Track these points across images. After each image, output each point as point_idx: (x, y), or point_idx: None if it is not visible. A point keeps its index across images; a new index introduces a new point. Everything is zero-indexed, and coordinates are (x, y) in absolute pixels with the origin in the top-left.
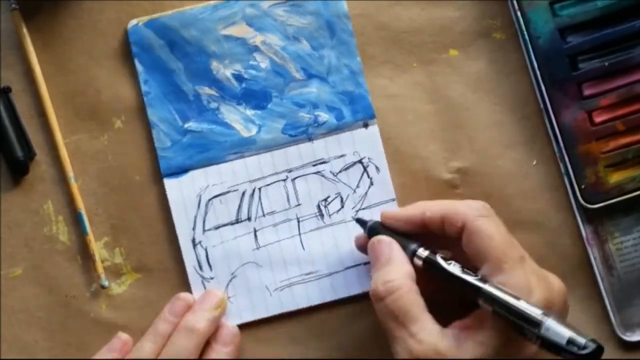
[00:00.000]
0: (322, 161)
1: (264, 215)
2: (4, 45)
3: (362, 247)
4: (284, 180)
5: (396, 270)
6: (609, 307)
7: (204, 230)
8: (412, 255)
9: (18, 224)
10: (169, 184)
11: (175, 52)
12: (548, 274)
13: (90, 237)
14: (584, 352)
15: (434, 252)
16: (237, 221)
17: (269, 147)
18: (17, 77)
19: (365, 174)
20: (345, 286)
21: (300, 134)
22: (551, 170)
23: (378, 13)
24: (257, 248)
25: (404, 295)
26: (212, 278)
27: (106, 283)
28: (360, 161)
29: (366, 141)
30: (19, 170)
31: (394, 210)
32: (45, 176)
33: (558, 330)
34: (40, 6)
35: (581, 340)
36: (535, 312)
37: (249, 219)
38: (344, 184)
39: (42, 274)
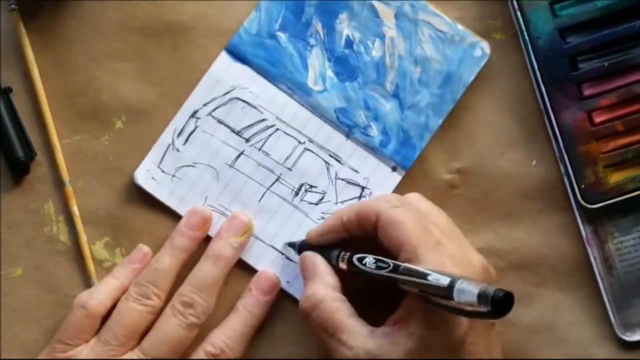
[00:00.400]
0: (338, 159)
1: (258, 150)
2: (4, 46)
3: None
4: (299, 143)
5: (318, 283)
6: (608, 307)
7: (209, 113)
8: (336, 261)
9: (18, 224)
10: (224, 57)
11: None
12: (470, 252)
13: (83, 239)
14: (488, 308)
15: (353, 254)
16: (237, 133)
17: (315, 109)
18: (18, 77)
19: (357, 200)
20: (271, 265)
21: (345, 125)
22: (551, 170)
23: None
24: (230, 166)
25: (327, 306)
26: (178, 150)
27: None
28: (363, 188)
29: (383, 180)
30: (19, 170)
31: (315, 227)
32: (46, 176)
33: (468, 289)
34: (41, 6)
35: (490, 290)
36: (443, 279)
37: (247, 140)
38: (335, 192)
39: (42, 274)
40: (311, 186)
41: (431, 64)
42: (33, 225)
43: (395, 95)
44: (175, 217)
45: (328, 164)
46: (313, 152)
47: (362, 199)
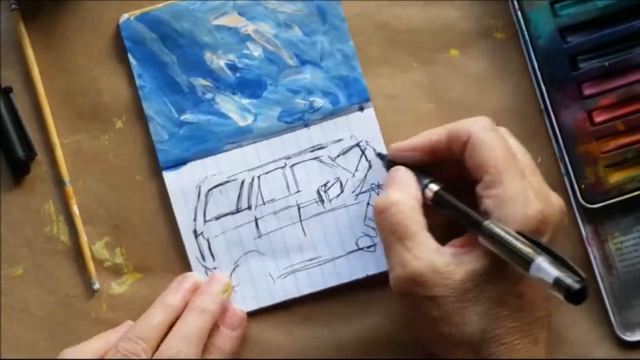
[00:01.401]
0: (319, 147)
1: (264, 204)
2: (4, 45)
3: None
4: (283, 167)
5: (402, 190)
6: (608, 307)
7: (205, 221)
8: (423, 188)
9: (19, 224)
10: (168, 176)
11: (168, 45)
12: (549, 192)
13: (83, 239)
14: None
15: (443, 188)
16: (238, 210)
17: (266, 135)
18: (18, 77)
19: (363, 157)
20: (348, 271)
21: (296, 120)
22: (551, 170)
23: (378, 13)
24: (259, 236)
25: (404, 210)
26: (215, 268)
27: (97, 286)
28: (357, 145)
29: (362, 124)
30: (19, 170)
31: (399, 142)
32: (46, 176)
33: (546, 269)
34: (41, 6)
35: (567, 279)
36: (524, 250)
37: (249, 207)
38: (343, 168)
39: (42, 274)
40: (324, 185)
41: (299, 15)
42: (33, 225)
43: (303, 62)
44: (176, 219)
45: (317, 158)
46: (299, 163)
47: (366, 150)
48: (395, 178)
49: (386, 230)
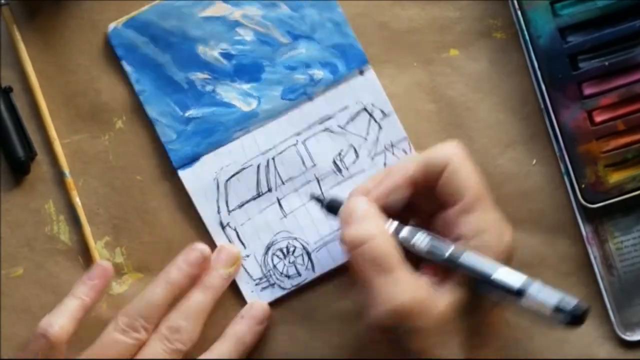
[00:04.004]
0: (327, 117)
1: (283, 183)
2: (4, 45)
3: None
4: (295, 144)
5: (372, 222)
6: (608, 307)
7: (229, 211)
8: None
9: (19, 223)
10: (184, 174)
11: (160, 45)
12: (505, 227)
13: (87, 231)
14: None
15: (402, 225)
16: (259, 195)
17: (273, 116)
18: (18, 76)
19: (372, 120)
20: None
21: (299, 96)
22: (551, 169)
23: (378, 13)
24: (285, 216)
25: (381, 243)
26: (247, 255)
27: None
28: (364, 109)
29: (365, 88)
30: (19, 170)
31: (378, 189)
32: (46, 176)
33: (544, 296)
34: (40, 6)
35: (569, 303)
36: (513, 280)
37: (269, 190)
38: (354, 134)
39: (43, 274)
40: (339, 154)
41: None
42: (33, 225)
43: (296, 37)
44: (177, 218)
45: (326, 129)
46: (310, 137)
47: (373, 113)
48: (360, 211)
49: (365, 265)
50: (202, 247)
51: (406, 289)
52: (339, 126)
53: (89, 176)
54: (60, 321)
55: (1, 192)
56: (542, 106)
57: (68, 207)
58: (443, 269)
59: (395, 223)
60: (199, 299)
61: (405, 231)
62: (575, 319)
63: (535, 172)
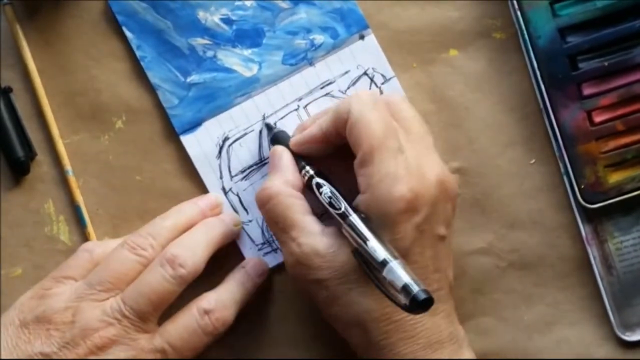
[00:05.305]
0: (328, 82)
1: None
2: (4, 45)
3: None
4: (297, 109)
5: (278, 177)
6: (608, 307)
7: (232, 177)
8: (301, 170)
9: (19, 224)
10: (186, 140)
11: (160, 11)
12: (431, 164)
13: (90, 230)
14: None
15: (315, 175)
16: (261, 160)
17: (274, 81)
18: (18, 76)
19: (373, 85)
20: None
21: (300, 61)
22: (551, 170)
23: (378, 13)
24: None
25: (282, 201)
26: (250, 221)
27: None
28: (365, 73)
29: (366, 52)
30: (19, 170)
31: (298, 137)
32: (46, 176)
33: (398, 274)
34: (40, 5)
35: (415, 287)
36: (379, 253)
37: None
38: None
39: (42, 274)
40: None
41: None
42: (33, 225)
43: (296, 2)
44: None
45: (328, 94)
46: (311, 102)
47: (374, 77)
48: (274, 162)
49: (271, 222)
50: (216, 195)
51: (305, 243)
52: (340, 91)
53: (89, 176)
54: (107, 248)
55: (1, 192)
56: (542, 106)
57: (68, 207)
58: None
59: (311, 172)
60: (201, 236)
61: (314, 182)
62: (414, 301)
63: (535, 172)
